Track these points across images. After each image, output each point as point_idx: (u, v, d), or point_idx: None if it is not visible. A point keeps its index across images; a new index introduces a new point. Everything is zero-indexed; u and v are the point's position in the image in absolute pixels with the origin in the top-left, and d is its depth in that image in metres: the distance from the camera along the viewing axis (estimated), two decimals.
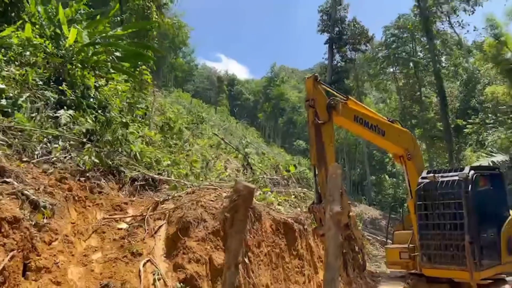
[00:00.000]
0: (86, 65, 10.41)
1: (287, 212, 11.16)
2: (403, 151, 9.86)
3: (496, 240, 8.96)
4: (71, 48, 10.12)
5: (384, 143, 9.93)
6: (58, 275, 5.29)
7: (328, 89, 8.97)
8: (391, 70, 55.21)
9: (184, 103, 42.60)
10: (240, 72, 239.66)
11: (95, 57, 10.91)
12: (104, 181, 8.02)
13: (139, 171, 8.87)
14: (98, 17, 12.61)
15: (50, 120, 8.38)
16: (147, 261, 6.27)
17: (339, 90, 9.88)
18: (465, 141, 40.05)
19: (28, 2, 11.03)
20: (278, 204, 11.38)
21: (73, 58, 10.06)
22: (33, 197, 5.77)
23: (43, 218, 5.69)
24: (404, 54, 52.38)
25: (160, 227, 7.10)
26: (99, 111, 9.61)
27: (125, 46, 12.42)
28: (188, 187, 9.00)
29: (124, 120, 10.16)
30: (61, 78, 9.45)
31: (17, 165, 6.51)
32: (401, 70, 53.76)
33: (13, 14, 10.99)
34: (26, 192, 5.74)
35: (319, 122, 8.00)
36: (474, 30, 69.96)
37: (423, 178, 9.46)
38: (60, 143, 7.92)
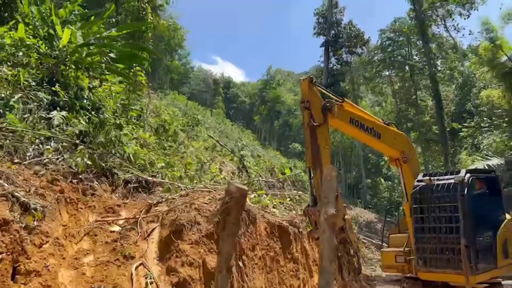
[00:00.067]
0: (80, 66, 10.31)
1: (282, 215, 11.09)
2: (399, 154, 9.81)
3: (492, 243, 8.91)
4: (64, 49, 10.03)
5: (380, 145, 9.87)
6: (48, 278, 5.19)
7: (324, 91, 8.91)
8: (387, 73, 55.34)
9: (180, 106, 42.45)
10: (236, 74, 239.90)
11: (89, 58, 10.81)
12: (97, 183, 7.93)
13: (132, 173, 8.78)
14: (92, 18, 12.52)
15: (42, 121, 8.29)
16: (140, 264, 6.18)
17: (335, 93, 9.81)
18: (460, 145, 40.14)
19: (21, 3, 10.93)
20: (273, 207, 11.31)
21: (66, 59, 9.97)
22: (24, 199, 5.67)
23: (34, 220, 5.59)
24: (399, 57, 52.52)
25: (153, 229, 7.02)
26: (93, 113, 9.51)
27: (119, 47, 12.33)
28: (182, 190, 8.91)
29: (118, 122, 10.08)
30: (54, 79, 9.36)
31: (8, 166, 6.41)
32: (396, 74, 53.92)
33: (6, 14, 10.90)
34: (16, 194, 5.65)
35: (315, 124, 7.92)
36: (469, 34, 69.99)
37: (418, 181, 9.42)
38: (53, 144, 7.83)
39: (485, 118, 33.65)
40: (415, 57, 52.97)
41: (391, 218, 22.81)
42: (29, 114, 8.12)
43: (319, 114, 8.04)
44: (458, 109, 43.40)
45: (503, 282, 9.16)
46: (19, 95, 8.16)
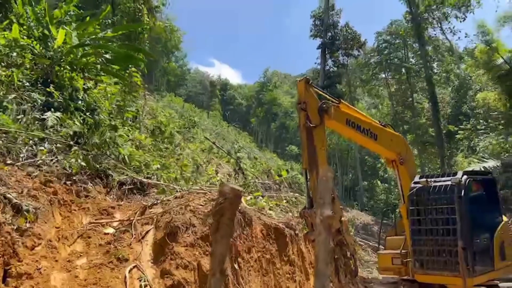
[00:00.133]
0: (75, 67, 10.24)
1: (278, 217, 11.02)
2: (396, 156, 9.77)
3: (489, 245, 8.88)
4: (59, 50, 9.96)
5: (377, 147, 9.84)
6: (40, 281, 5.11)
7: (320, 92, 8.88)
8: (383, 75, 55.46)
9: (177, 108, 42.42)
10: (233, 77, 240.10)
11: (84, 59, 10.74)
12: (91, 184, 7.86)
13: (127, 174, 8.71)
14: (88, 18, 12.44)
15: (36, 122, 8.22)
16: (134, 267, 6.10)
17: (332, 95, 9.76)
18: (456, 147, 40.21)
19: (16, 3, 10.85)
20: (269, 209, 11.24)
21: (61, 60, 9.90)
22: (16, 200, 5.61)
23: (26, 222, 5.52)
24: (396, 60, 52.67)
25: (147, 232, 6.94)
26: (87, 114, 9.43)
27: (115, 48, 12.25)
28: (177, 191, 8.84)
29: (113, 123, 10.00)
30: (49, 80, 9.29)
31: (0, 167, 6.33)
32: (393, 76, 54.02)
33: (0, 15, 10.80)
34: (8, 195, 5.59)
35: (311, 125, 7.88)
36: (465, 37, 70.33)
37: (415, 183, 9.39)
38: (46, 145, 7.75)
39: (481, 121, 33.68)
40: (411, 59, 53.15)
41: (388, 220, 22.79)
42: (22, 115, 8.05)
43: (316, 115, 7.99)
44: (454, 111, 43.51)
45: (500, 285, 9.12)
46: (13, 95, 8.10)
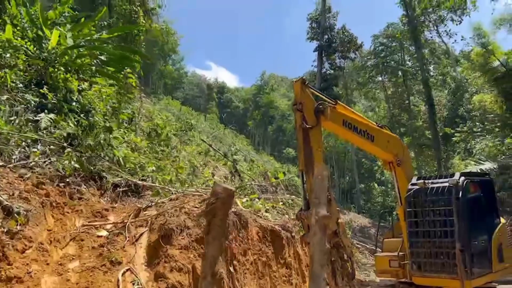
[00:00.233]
0: (69, 68, 10.14)
1: (275, 219, 10.94)
2: (393, 157, 9.70)
3: (487, 247, 8.80)
4: (53, 51, 9.88)
5: (373, 148, 9.77)
6: (30, 285, 5.01)
7: (316, 93, 8.79)
8: (380, 78, 55.45)
9: (173, 110, 42.30)
10: (230, 80, 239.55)
11: (79, 60, 10.65)
12: (85, 186, 7.77)
13: (122, 176, 8.62)
14: (83, 20, 12.35)
15: (30, 123, 8.14)
16: (127, 270, 6.00)
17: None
18: (453, 149, 40.19)
19: (9, 3, 10.75)
20: (266, 211, 11.16)
21: (55, 61, 9.81)
22: (7, 202, 5.51)
23: (17, 225, 5.43)
24: (392, 62, 52.66)
25: (141, 234, 6.84)
26: (82, 115, 9.34)
27: (110, 49, 12.17)
28: (172, 193, 8.75)
29: (107, 125, 9.89)
30: (42, 81, 9.21)
31: None
32: (389, 79, 54.03)
33: None
34: None
35: (307, 126, 7.79)
36: (461, 40, 70.51)
37: (413, 184, 9.30)
38: (40, 147, 7.67)
39: (477, 123, 33.68)
40: (408, 62, 53.13)
41: (385, 223, 22.66)
42: (15, 116, 7.97)
43: (312, 116, 7.91)
44: (451, 114, 43.50)
45: (498, 287, 9.04)
46: (6, 97, 8.01)
